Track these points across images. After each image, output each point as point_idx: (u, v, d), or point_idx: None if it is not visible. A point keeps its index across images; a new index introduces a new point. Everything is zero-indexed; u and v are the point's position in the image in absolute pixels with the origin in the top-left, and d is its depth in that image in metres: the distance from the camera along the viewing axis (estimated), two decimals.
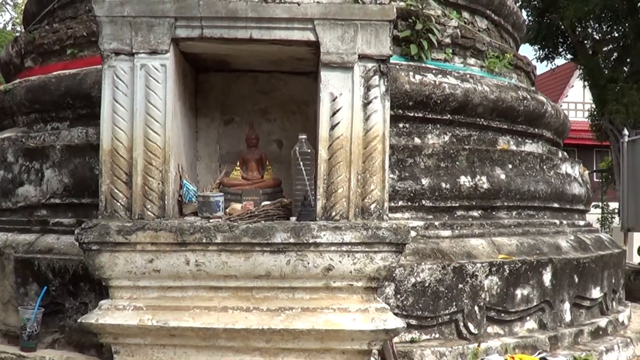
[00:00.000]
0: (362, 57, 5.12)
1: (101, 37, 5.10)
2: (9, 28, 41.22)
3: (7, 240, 6.92)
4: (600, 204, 28.34)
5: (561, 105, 36.91)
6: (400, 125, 7.35)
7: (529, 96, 8.39)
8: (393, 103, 6.91)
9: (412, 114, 7.40)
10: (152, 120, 5.05)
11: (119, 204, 5.09)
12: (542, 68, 24.90)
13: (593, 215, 25.50)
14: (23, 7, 10.67)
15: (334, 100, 5.10)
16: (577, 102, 40.06)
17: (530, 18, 25.13)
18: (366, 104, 5.13)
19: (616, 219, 26.38)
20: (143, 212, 5.07)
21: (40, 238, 6.80)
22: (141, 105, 5.05)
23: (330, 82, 5.11)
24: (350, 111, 5.10)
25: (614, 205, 26.96)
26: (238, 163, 6.11)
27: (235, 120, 6.40)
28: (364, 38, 5.10)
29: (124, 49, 5.08)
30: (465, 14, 8.85)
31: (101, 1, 5.10)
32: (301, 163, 5.21)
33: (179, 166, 5.51)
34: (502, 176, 7.35)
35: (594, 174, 33.53)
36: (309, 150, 5.28)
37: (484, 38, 8.65)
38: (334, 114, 5.09)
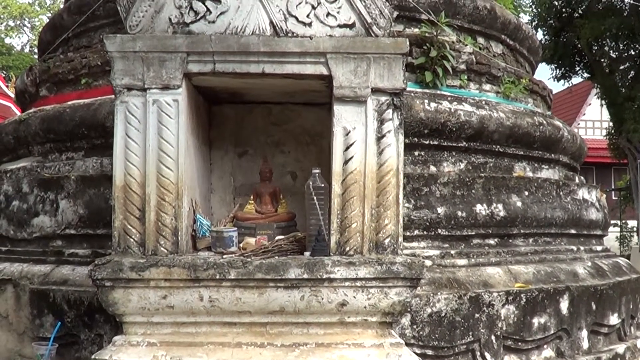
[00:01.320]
0: (375, 91, 5.11)
1: (113, 73, 5.10)
2: (26, 50, 41.59)
3: (22, 271, 6.93)
4: (618, 222, 28.26)
5: (579, 124, 36.98)
6: (416, 153, 7.32)
7: (545, 122, 8.34)
8: (408, 131, 6.89)
9: (427, 142, 7.36)
10: (164, 156, 5.04)
11: (132, 239, 5.08)
12: (559, 86, 24.95)
13: (612, 234, 25.40)
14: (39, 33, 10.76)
15: (347, 134, 5.09)
16: (594, 120, 39.94)
17: (546, 37, 25.16)
18: (380, 137, 5.11)
19: (635, 238, 26.30)
20: (156, 248, 5.05)
21: (56, 269, 6.80)
22: (154, 141, 5.05)
23: (344, 116, 5.10)
24: (364, 145, 5.08)
25: (633, 223, 26.89)
26: (252, 196, 6.10)
27: (249, 153, 6.40)
28: (377, 71, 5.09)
29: (136, 84, 5.08)
30: (480, 40, 8.82)
31: (113, 36, 5.11)
32: (315, 198, 5.19)
33: (193, 201, 5.51)
34: (519, 203, 7.30)
35: (612, 192, 33.49)
36: (323, 185, 5.24)
37: (499, 63, 8.62)
38: (347, 148, 5.08)
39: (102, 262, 4.85)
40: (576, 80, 28.00)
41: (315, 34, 5.14)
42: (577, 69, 26.08)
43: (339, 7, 5.21)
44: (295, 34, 5.14)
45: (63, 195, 6.95)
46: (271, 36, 5.12)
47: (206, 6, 5.19)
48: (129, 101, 5.10)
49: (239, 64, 5.13)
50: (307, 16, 5.17)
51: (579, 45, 24.32)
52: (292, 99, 6.15)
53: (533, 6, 25.97)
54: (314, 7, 5.20)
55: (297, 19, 5.18)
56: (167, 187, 5.06)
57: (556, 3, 24.71)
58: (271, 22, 5.17)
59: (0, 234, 7.46)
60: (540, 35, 25.13)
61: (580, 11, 23.97)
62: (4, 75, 35.48)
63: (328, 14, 5.19)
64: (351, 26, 5.20)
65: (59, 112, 7.75)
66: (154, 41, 5.08)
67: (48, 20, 9.82)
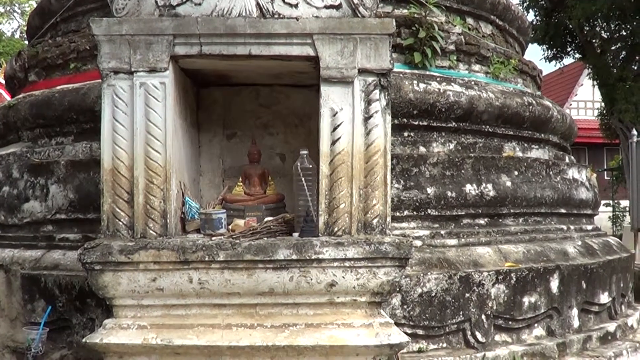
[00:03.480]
0: (362, 72, 5.10)
1: (100, 56, 5.08)
2: (16, 36, 41.37)
3: (13, 257, 6.94)
4: (611, 202, 28.32)
5: (570, 104, 36.97)
6: (405, 134, 7.32)
7: (534, 102, 8.34)
8: (397, 112, 6.90)
9: (416, 123, 7.36)
10: (152, 138, 5.03)
11: (121, 223, 5.08)
12: (550, 67, 24.98)
13: (604, 214, 25.45)
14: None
15: (334, 115, 5.08)
16: (586, 100, 39.90)
17: (537, 18, 25.11)
18: (367, 118, 5.10)
19: (627, 218, 26.35)
20: (145, 231, 5.05)
21: (47, 254, 6.82)
22: (141, 123, 5.03)
23: (331, 97, 5.09)
24: (351, 126, 5.08)
25: (625, 203, 26.92)
26: (241, 178, 6.11)
27: (237, 135, 6.40)
28: (364, 52, 5.08)
29: (122, 67, 5.06)
30: (470, 20, 8.81)
31: (99, 20, 5.08)
32: (303, 179, 5.19)
33: (181, 183, 5.50)
34: (508, 183, 7.32)
35: (605, 172, 33.58)
36: (311, 166, 5.24)
37: (489, 44, 8.61)
38: (334, 129, 5.07)
39: (91, 246, 4.84)
40: (568, 60, 27.96)
41: (302, 15, 5.12)
42: (569, 49, 26.01)
43: None
44: (281, 16, 5.11)
45: (53, 180, 6.96)
46: (257, 18, 5.10)
47: None
48: (116, 84, 5.08)
49: (225, 46, 5.11)
50: None
51: (570, 26, 24.23)
52: (279, 81, 6.14)
53: None
54: None
55: (283, 0, 5.15)
56: (155, 170, 5.05)
57: None
58: (257, 4, 5.14)
59: None
60: (531, 15, 25.14)
61: None
62: None
63: None
64: (337, 7, 5.18)
65: (48, 97, 7.74)
66: (140, 24, 5.06)
67: (36, 6, 9.77)
